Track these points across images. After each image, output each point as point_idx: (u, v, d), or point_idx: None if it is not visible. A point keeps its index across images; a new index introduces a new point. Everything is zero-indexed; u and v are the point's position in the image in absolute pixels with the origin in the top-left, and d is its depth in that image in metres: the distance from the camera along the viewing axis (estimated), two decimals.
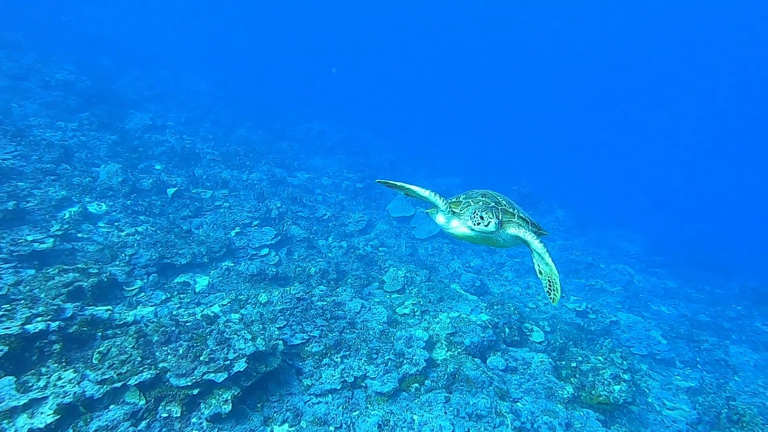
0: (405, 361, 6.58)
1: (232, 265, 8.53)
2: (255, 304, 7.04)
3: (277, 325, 6.58)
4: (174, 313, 6.17)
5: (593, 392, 6.73)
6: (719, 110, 59.91)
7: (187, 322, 5.58)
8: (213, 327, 5.61)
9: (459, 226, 3.10)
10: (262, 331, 6.02)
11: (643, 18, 50.45)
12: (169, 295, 7.04)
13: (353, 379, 6.16)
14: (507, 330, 8.12)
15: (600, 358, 7.40)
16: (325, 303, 7.44)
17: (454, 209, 3.14)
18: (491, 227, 2.82)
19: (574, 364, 7.27)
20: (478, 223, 2.86)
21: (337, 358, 6.51)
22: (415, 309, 8.29)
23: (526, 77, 70.71)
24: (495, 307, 8.74)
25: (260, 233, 9.92)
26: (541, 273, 3.22)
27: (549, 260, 3.00)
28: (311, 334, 6.70)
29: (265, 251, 9.44)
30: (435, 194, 2.99)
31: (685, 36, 51.38)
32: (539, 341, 8.16)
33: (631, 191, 35.63)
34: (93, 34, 26.18)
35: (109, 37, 26.71)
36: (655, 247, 19.64)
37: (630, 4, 48.45)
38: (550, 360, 7.37)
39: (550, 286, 3.16)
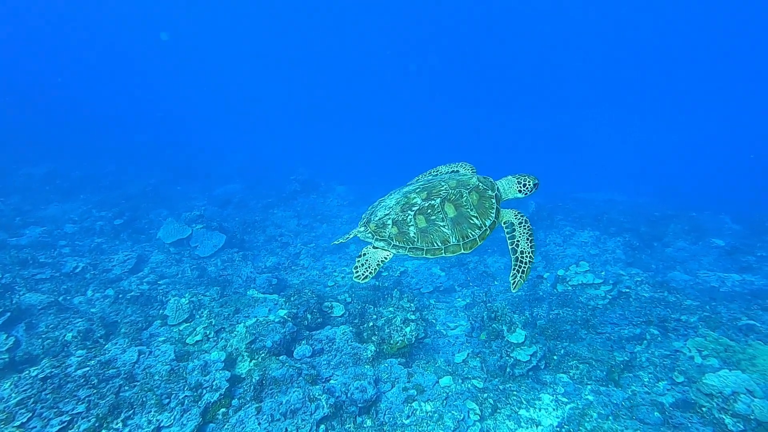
0: (204, 391, 5.98)
1: None
2: None
3: (17, 423, 5.09)
4: None
5: (391, 342, 7.38)
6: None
7: None
8: None
9: None
10: None
11: None
12: None
13: None
14: (309, 316, 8.19)
15: (391, 309, 8.14)
16: (87, 368, 6.11)
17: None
18: None
19: (371, 324, 7.83)
20: None
21: (117, 424, 5.46)
22: (208, 332, 7.60)
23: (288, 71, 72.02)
24: (292, 298, 8.70)
25: None
26: None
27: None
28: (74, 413, 5.43)
29: None
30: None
31: None
32: (340, 315, 8.50)
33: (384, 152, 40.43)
34: None
35: None
36: None
37: None
38: (352, 328, 7.75)
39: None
